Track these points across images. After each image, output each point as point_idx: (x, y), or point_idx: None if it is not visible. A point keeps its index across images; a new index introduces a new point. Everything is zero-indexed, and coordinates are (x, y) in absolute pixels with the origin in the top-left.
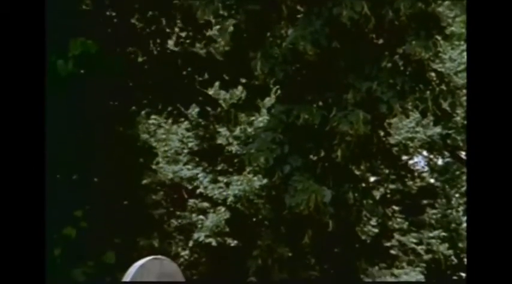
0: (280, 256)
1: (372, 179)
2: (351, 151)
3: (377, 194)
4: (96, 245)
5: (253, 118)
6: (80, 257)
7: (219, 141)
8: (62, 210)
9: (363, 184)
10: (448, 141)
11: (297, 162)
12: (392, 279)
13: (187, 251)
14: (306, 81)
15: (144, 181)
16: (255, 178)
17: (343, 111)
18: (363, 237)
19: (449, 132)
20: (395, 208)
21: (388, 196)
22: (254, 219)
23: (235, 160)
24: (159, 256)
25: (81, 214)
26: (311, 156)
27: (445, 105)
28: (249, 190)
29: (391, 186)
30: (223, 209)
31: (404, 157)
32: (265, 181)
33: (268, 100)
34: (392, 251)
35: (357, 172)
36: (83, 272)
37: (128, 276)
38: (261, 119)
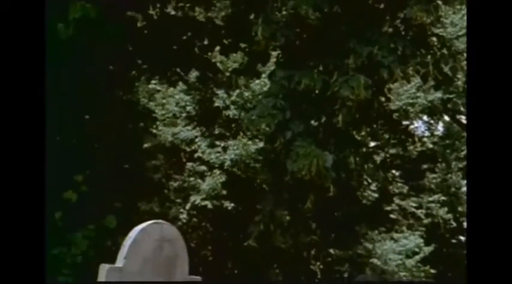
0: (282, 221)
1: (372, 144)
2: (352, 116)
3: (377, 159)
4: (96, 209)
5: (250, 80)
6: (81, 221)
7: (216, 104)
8: (63, 173)
9: (364, 149)
10: (449, 106)
11: (298, 128)
12: (392, 243)
13: (185, 215)
14: (307, 46)
15: (145, 146)
16: (250, 142)
17: (344, 76)
18: (363, 201)
19: (450, 96)
20: (396, 173)
21: (388, 160)
22: (255, 184)
23: (233, 125)
24: (159, 221)
25: (82, 179)
26: (312, 122)
27: (446, 70)
28: (245, 154)
29: (391, 151)
30: (218, 172)
31: (405, 122)
32: (261, 144)
33: (268, 66)
34: (392, 216)
35: (358, 137)
36: (83, 236)
37: (128, 240)
38: (258, 82)
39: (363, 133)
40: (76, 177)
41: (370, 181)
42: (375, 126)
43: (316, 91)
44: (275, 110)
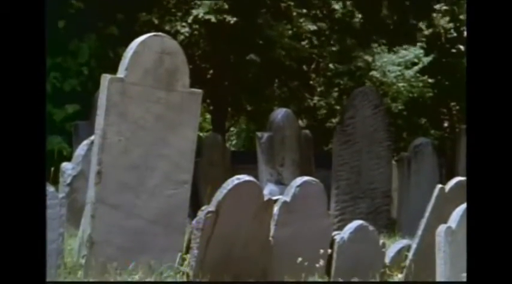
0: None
1: None
2: None
3: None
4: (99, 19)
5: None
6: (83, 31)
7: None
8: None
9: None
10: None
11: None
12: (391, 55)
13: (187, 29)
14: None
15: None
16: None
17: None
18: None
19: None
20: None
21: None
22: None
23: None
24: (160, 33)
25: None
26: None
27: None
28: None
29: None
30: None
31: None
32: None
33: None
34: (391, 27)
35: None
36: (86, 45)
37: (129, 51)
38: None
39: None
40: None
41: None
42: None
43: None
44: None
